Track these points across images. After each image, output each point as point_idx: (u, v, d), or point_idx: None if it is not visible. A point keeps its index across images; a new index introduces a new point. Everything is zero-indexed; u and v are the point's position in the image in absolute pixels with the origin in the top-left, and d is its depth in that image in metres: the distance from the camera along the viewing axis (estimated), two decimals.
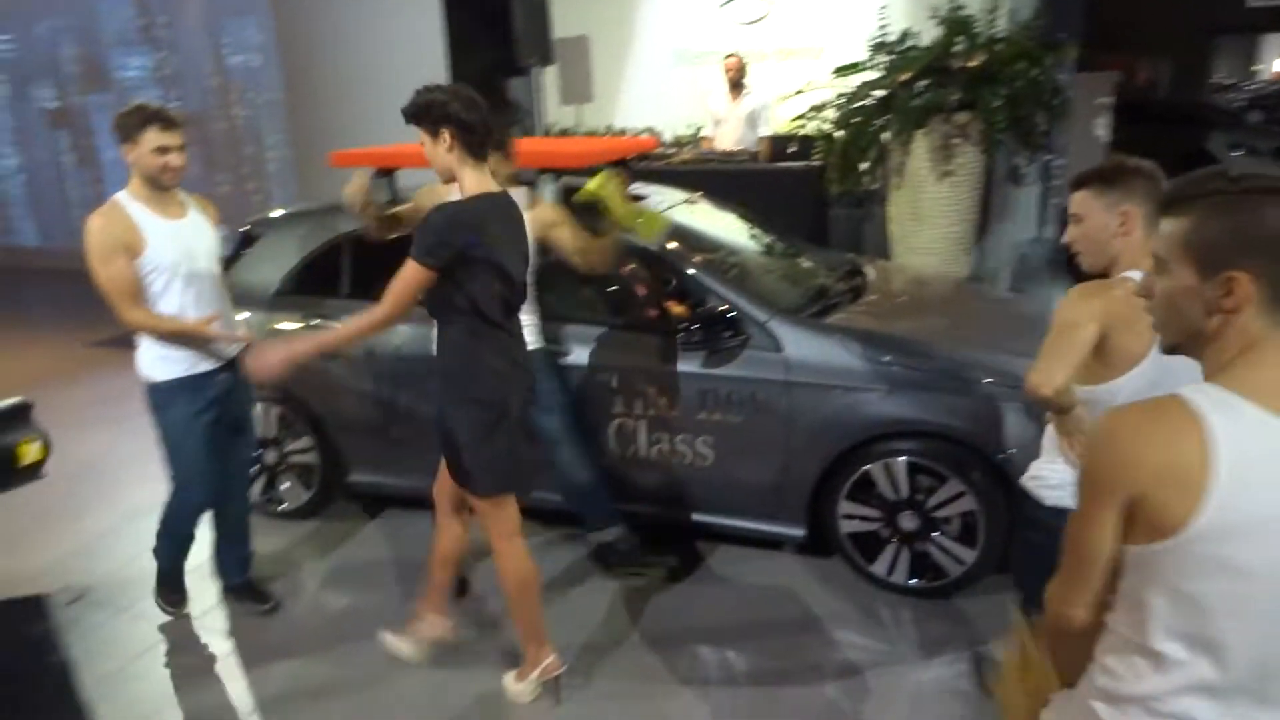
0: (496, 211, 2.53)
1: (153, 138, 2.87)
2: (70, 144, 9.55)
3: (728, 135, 6.88)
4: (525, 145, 3.71)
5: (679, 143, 7.36)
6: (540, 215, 3.19)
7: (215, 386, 3.07)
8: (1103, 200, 2.01)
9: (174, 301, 2.96)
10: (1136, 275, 1.84)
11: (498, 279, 2.51)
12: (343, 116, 7.84)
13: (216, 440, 3.13)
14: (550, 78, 7.70)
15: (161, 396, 3.01)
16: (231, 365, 3.11)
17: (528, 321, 3.04)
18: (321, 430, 3.90)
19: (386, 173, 3.89)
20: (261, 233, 4.08)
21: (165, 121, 2.89)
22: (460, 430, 2.60)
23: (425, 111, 2.48)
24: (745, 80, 6.85)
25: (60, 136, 9.59)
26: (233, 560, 3.45)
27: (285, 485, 4.03)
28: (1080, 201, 2.04)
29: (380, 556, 3.81)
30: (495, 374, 2.59)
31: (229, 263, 4.06)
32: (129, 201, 2.96)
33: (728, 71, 6.80)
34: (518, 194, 3.05)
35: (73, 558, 3.87)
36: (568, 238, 3.18)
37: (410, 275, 2.47)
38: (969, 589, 3.28)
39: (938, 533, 3.26)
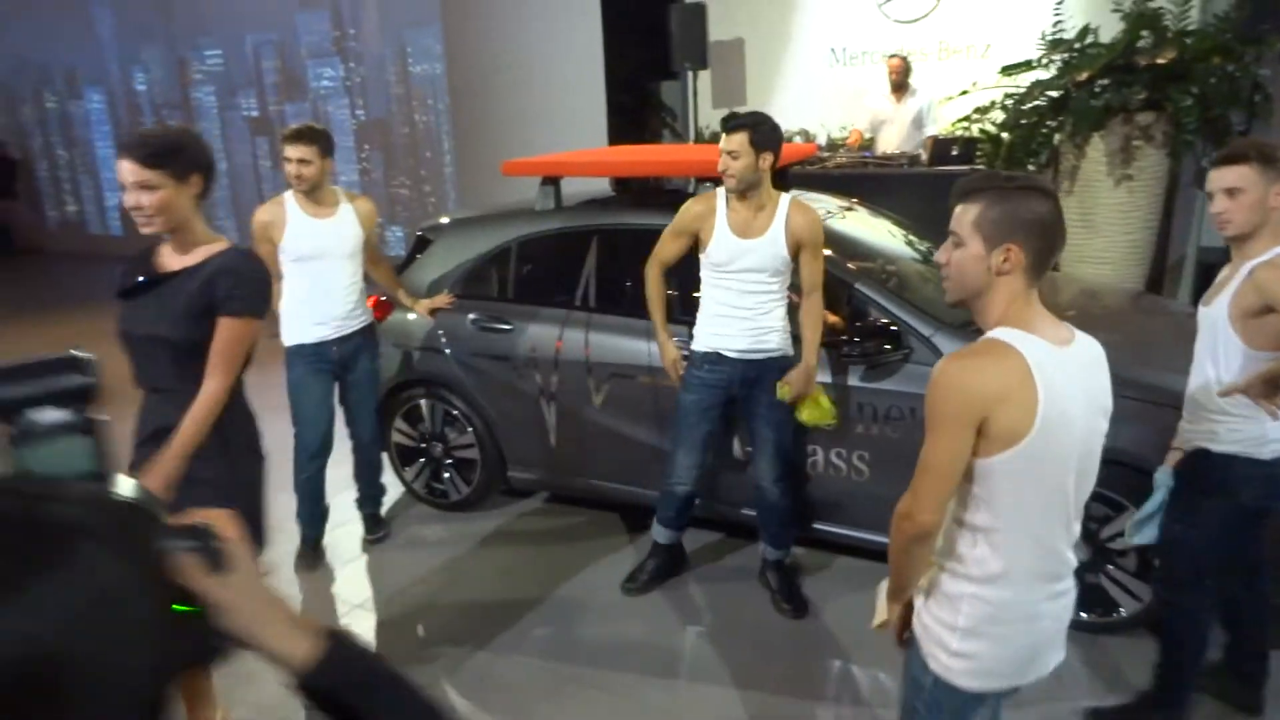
0: None
1: (289, 152, 3.44)
2: (268, 150, 10.27)
3: (892, 137, 6.60)
4: (688, 153, 3.70)
5: (834, 145, 7.16)
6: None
7: (332, 353, 3.59)
8: (1264, 177, 2.22)
9: (300, 283, 3.52)
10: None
11: None
12: (504, 120, 8.09)
13: (332, 397, 3.68)
14: (703, 81, 7.67)
15: (288, 357, 3.62)
16: (351, 338, 3.62)
17: (774, 325, 3.15)
18: (484, 427, 4.03)
19: (553, 181, 3.97)
20: (434, 237, 4.24)
21: (293, 139, 3.44)
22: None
23: None
24: (910, 80, 6.59)
25: (260, 143, 10.33)
26: (365, 494, 4.00)
27: (448, 477, 4.19)
28: (1240, 176, 2.23)
29: (528, 551, 3.89)
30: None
31: (404, 265, 4.28)
32: (289, 199, 3.53)
33: (891, 72, 6.53)
34: (782, 198, 3.11)
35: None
36: (810, 257, 3.13)
37: None
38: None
39: (1111, 565, 3.03)
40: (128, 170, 2.19)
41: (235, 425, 2.35)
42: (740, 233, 3.09)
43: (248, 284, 2.28)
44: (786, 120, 7.75)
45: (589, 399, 3.72)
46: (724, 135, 3.03)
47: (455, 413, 4.06)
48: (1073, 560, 1.70)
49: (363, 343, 3.69)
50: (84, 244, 12.12)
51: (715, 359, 3.18)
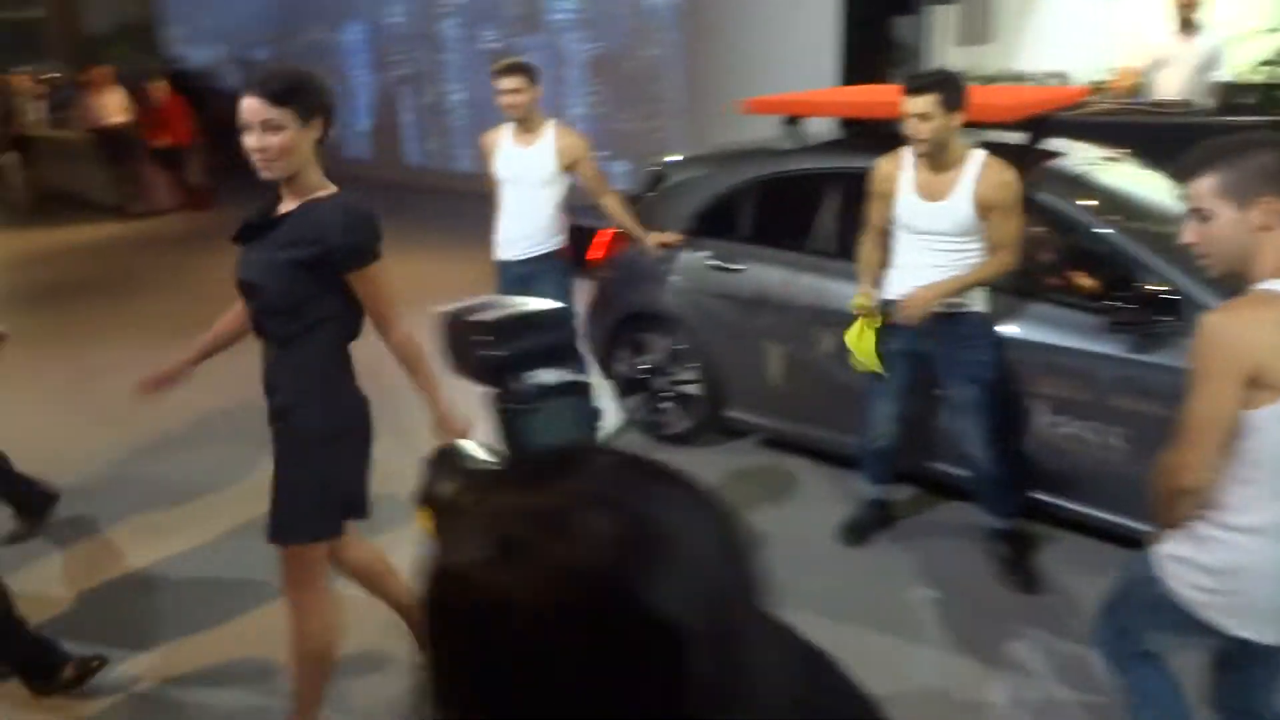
0: None
1: (502, 84, 3.72)
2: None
3: (1172, 80, 5.76)
4: None
5: (1099, 89, 6.48)
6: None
7: (514, 272, 3.91)
8: None
9: (503, 205, 3.91)
10: None
11: None
12: (733, 57, 7.93)
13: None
14: (942, 17, 7.14)
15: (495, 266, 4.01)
16: (534, 261, 3.88)
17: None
18: (707, 364, 4.07)
19: (794, 120, 3.86)
20: (670, 173, 4.27)
21: (505, 71, 3.74)
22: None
23: None
24: (1197, 16, 5.76)
25: None
26: None
27: (668, 411, 4.28)
28: None
29: (742, 491, 3.92)
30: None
31: (638, 200, 4.35)
32: (506, 127, 3.84)
33: (1180, 7, 5.76)
34: (973, 156, 2.93)
35: None
36: (999, 217, 2.93)
37: None
38: None
39: None
40: (254, 108, 2.03)
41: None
42: (927, 195, 2.95)
43: (357, 232, 2.14)
44: (1040, 60, 7.14)
45: (816, 345, 3.65)
46: (908, 97, 2.84)
47: (681, 348, 4.12)
48: None
49: (546, 267, 3.89)
50: (336, 166, 13.19)
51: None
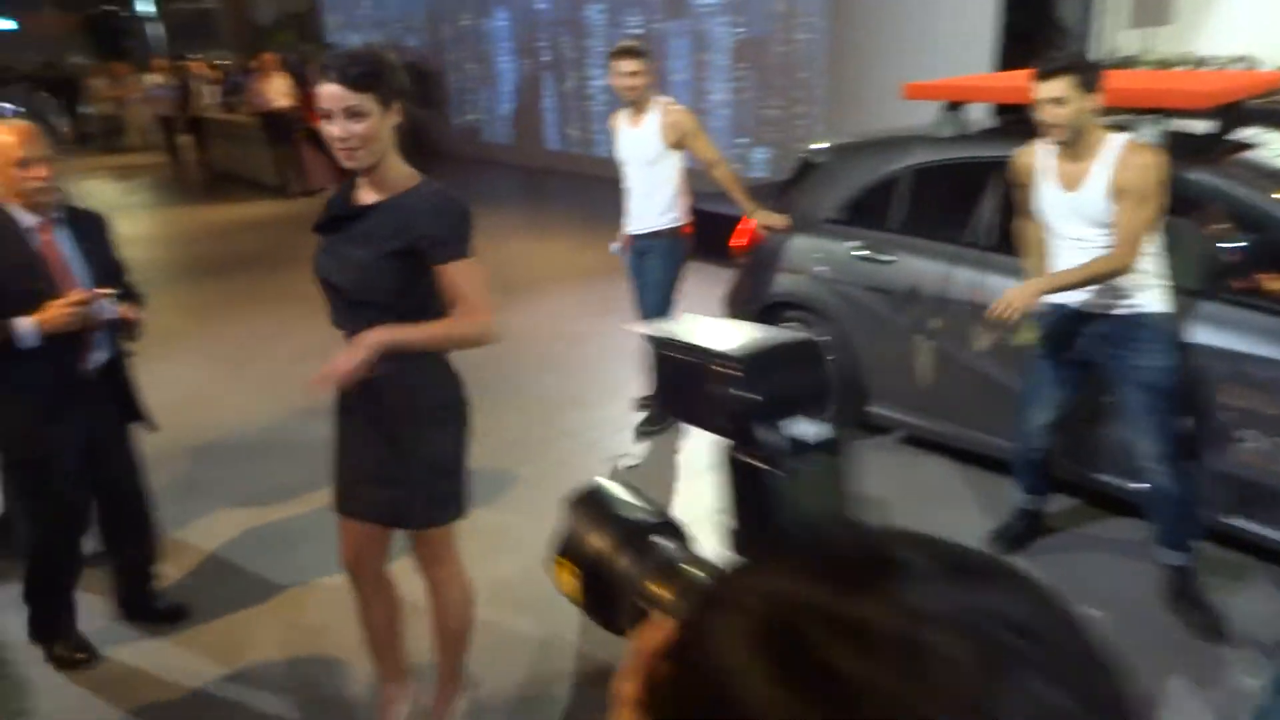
0: None
1: (620, 67, 3.89)
2: (649, 66, 10.50)
3: None
4: (1119, 80, 3.24)
5: None
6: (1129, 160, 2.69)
7: (635, 247, 4.18)
8: None
9: (628, 185, 4.12)
10: None
11: None
12: (886, 41, 7.66)
13: (639, 277, 4.24)
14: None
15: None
16: (646, 237, 4.11)
17: (1156, 283, 2.79)
18: (848, 357, 3.96)
19: (956, 106, 3.69)
20: (821, 160, 4.17)
21: (623, 54, 3.92)
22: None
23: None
24: None
25: None
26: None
27: None
28: None
29: (885, 488, 3.80)
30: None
31: (784, 188, 4.27)
32: (623, 110, 4.10)
33: None
34: (1111, 141, 2.70)
35: None
36: (1127, 206, 2.67)
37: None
38: None
39: None
40: (335, 95, 1.92)
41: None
42: (1065, 184, 2.76)
43: (451, 224, 2.05)
44: (1223, 43, 6.57)
45: (972, 342, 3.50)
46: (1041, 81, 2.64)
47: (825, 339, 4.03)
48: None
49: (658, 244, 4.11)
50: (479, 150, 13.63)
51: (1059, 311, 2.91)
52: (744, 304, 4.32)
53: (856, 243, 3.85)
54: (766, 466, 0.73)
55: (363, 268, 2.03)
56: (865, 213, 3.90)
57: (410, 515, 2.24)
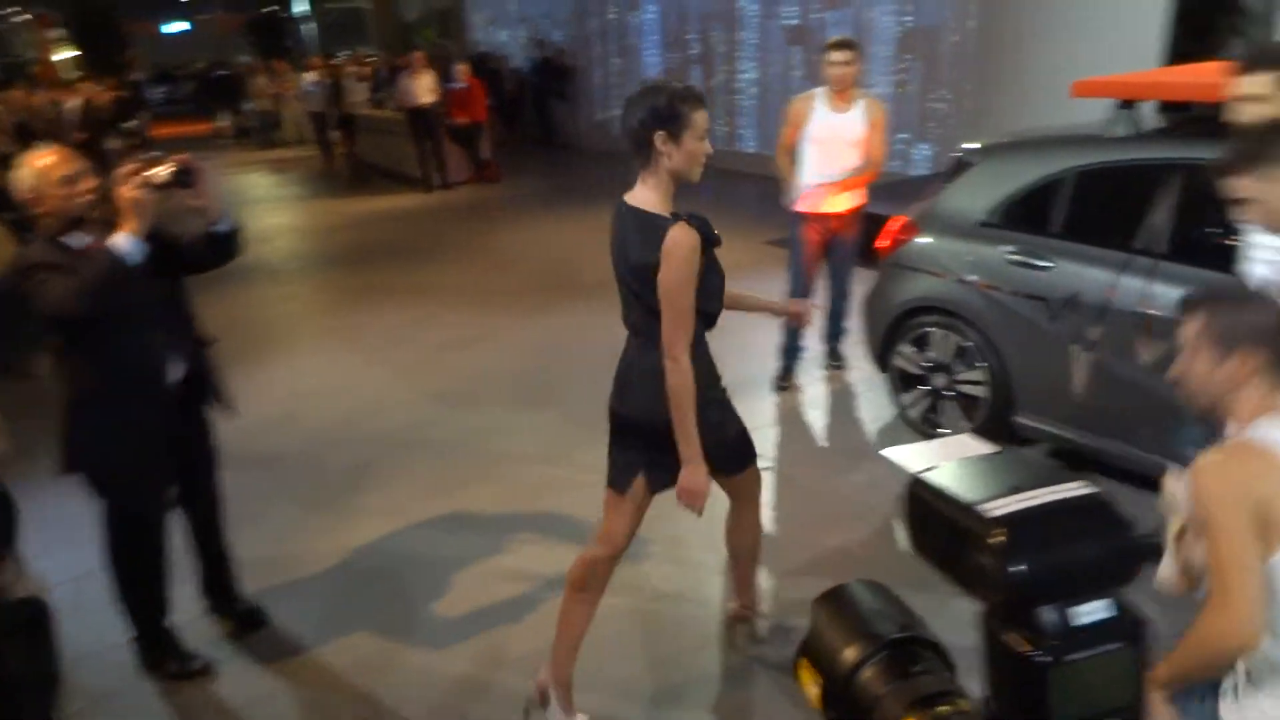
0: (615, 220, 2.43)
1: (831, 56, 4.38)
2: (803, 59, 10.15)
3: None
4: None
5: None
6: None
7: (825, 225, 4.58)
8: None
9: (810, 163, 4.50)
10: None
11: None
12: (1051, 31, 7.27)
13: (816, 264, 4.70)
14: None
15: (792, 217, 4.66)
16: (839, 219, 4.57)
17: None
18: (998, 365, 3.83)
19: (1129, 104, 3.50)
20: (975, 160, 4.03)
21: (837, 47, 4.39)
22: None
23: None
24: None
25: (795, 52, 10.30)
26: (831, 331, 5.04)
27: (946, 409, 4.09)
28: None
29: None
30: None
31: (933, 185, 4.15)
32: (819, 94, 4.52)
33: None
34: None
35: None
36: None
37: None
38: None
39: None
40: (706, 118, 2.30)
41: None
42: None
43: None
44: None
45: (1138, 355, 3.31)
46: (1241, 75, 2.41)
47: (969, 345, 3.91)
48: None
49: (849, 222, 4.62)
50: (616, 145, 13.81)
51: None
52: (885, 305, 4.24)
53: (1011, 247, 3.71)
54: (1038, 655, 0.57)
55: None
56: (1022, 216, 3.75)
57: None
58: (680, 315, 2.29)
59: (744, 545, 2.85)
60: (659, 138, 2.22)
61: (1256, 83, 2.42)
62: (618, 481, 2.55)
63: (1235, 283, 1.79)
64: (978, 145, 4.16)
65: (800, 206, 4.60)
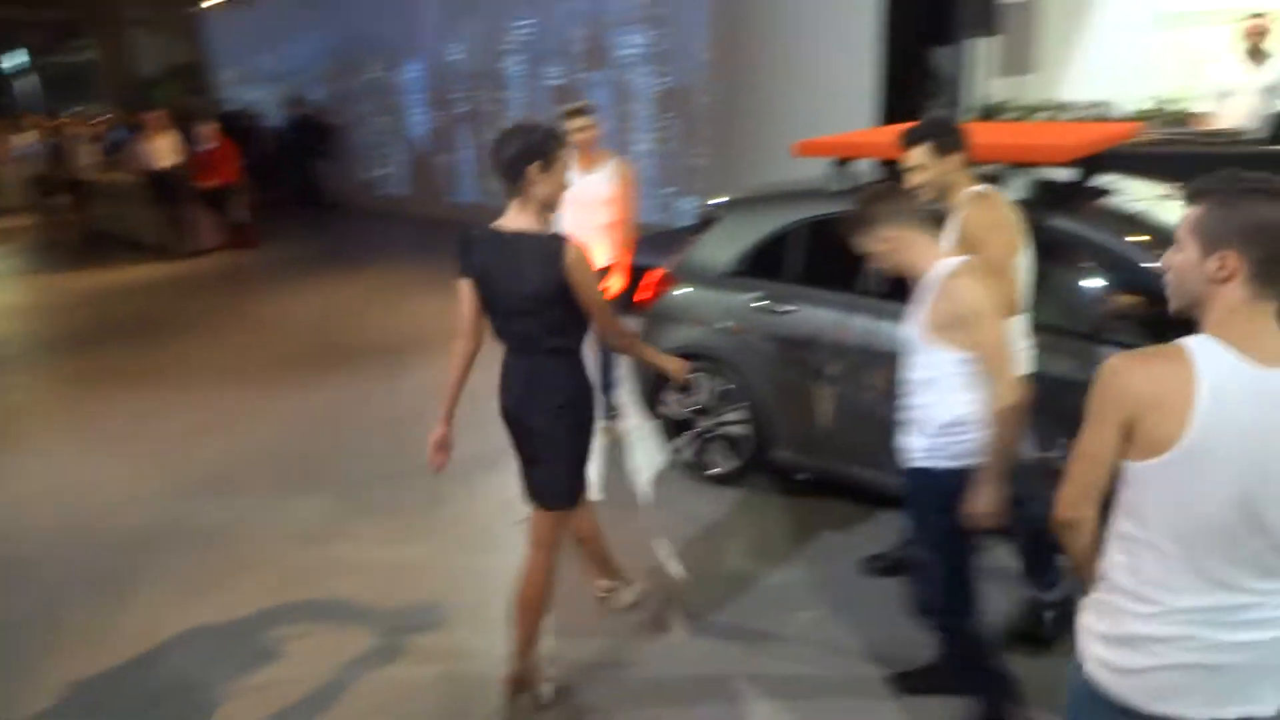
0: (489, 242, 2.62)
1: (572, 124, 4.37)
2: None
3: (1238, 110, 5.75)
4: (987, 135, 3.46)
5: (1142, 118, 6.42)
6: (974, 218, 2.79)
7: None
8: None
9: (564, 222, 4.16)
10: None
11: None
12: (775, 97, 7.95)
13: None
14: (982, 48, 7.13)
15: None
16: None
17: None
18: (756, 405, 4.06)
19: (845, 162, 3.87)
20: (719, 214, 4.29)
21: (575, 114, 4.43)
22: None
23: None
24: (1265, 44, 5.70)
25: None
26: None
27: (714, 450, 4.28)
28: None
29: (785, 532, 3.90)
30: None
31: (679, 238, 4.38)
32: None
33: (1249, 35, 5.68)
34: (970, 192, 2.79)
35: None
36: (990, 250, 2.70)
37: None
38: None
39: None
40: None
41: None
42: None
43: None
44: (1086, 90, 7.09)
45: (870, 386, 3.63)
46: (904, 151, 2.80)
47: (729, 388, 4.12)
48: (1261, 600, 1.51)
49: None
50: (385, 203, 13.45)
51: None
52: None
53: (756, 294, 3.97)
54: None
55: None
56: (763, 265, 4.02)
57: (544, 497, 2.85)
58: (607, 306, 2.67)
59: (589, 535, 3.24)
60: (533, 169, 2.51)
61: (916, 154, 2.79)
62: (553, 500, 2.80)
63: (1263, 175, 1.50)
64: (722, 200, 4.44)
65: None
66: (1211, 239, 1.47)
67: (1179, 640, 1.54)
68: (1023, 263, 2.83)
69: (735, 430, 4.17)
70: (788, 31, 7.84)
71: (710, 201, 4.46)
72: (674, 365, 2.98)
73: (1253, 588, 1.51)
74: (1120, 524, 1.59)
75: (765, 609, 3.40)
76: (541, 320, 2.57)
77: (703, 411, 4.26)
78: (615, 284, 4.56)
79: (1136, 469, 1.52)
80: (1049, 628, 3.08)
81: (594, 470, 3.05)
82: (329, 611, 3.55)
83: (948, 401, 2.41)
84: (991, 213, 2.79)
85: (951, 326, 2.34)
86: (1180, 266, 1.53)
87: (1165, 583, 1.54)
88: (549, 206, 2.59)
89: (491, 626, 3.31)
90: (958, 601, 2.58)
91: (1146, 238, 3.23)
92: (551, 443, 2.70)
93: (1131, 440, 1.51)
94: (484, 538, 4.04)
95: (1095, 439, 1.55)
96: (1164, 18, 6.72)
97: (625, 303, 4.74)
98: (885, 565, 3.55)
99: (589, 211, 4.53)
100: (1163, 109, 6.47)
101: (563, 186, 2.60)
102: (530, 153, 2.50)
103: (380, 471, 4.71)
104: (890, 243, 2.46)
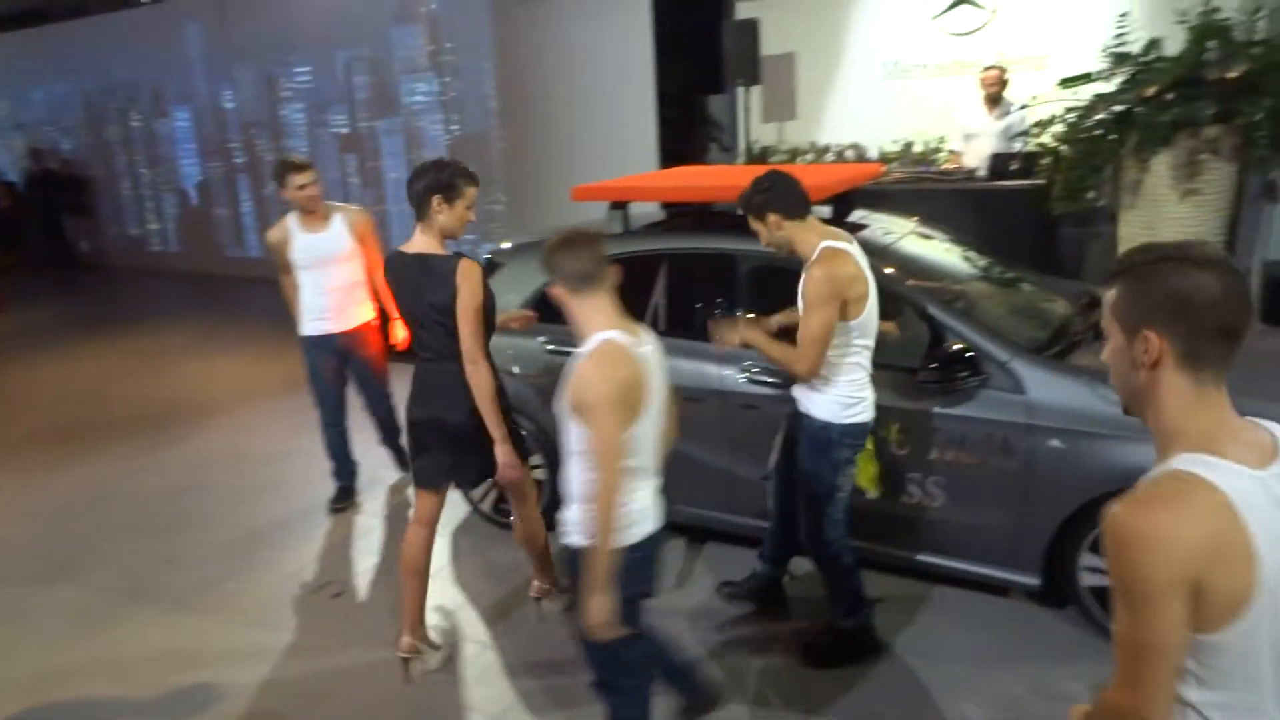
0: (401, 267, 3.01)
1: (294, 180, 4.12)
2: (358, 166, 10.03)
3: (981, 150, 6.38)
4: (737, 178, 3.68)
5: (886, 159, 7.10)
6: None
7: (335, 345, 4.39)
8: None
9: (305, 288, 4.31)
10: None
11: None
12: (550, 137, 8.08)
13: (340, 384, 4.52)
14: (754, 95, 7.64)
15: (303, 343, 4.44)
16: (349, 336, 4.38)
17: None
18: (552, 448, 4.03)
19: (621, 205, 3.97)
20: (504, 260, 4.27)
21: (296, 170, 4.15)
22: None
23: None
24: (1005, 93, 6.40)
25: (349, 160, 10.11)
26: (389, 444, 4.86)
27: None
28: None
29: None
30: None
31: None
32: (291, 218, 4.28)
33: (986, 84, 6.35)
34: (821, 248, 2.82)
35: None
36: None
37: None
38: None
39: None
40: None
41: None
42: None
43: None
44: (839, 134, 7.75)
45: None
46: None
47: (524, 433, 4.07)
48: None
49: (358, 338, 4.46)
50: (151, 260, 12.40)
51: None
52: None
53: (545, 337, 3.96)
54: None
55: None
56: (550, 308, 4.01)
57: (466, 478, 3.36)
58: (479, 327, 2.93)
59: (528, 537, 3.46)
60: (435, 200, 2.90)
61: (753, 223, 2.92)
62: (428, 481, 3.16)
63: (1183, 243, 1.31)
64: (505, 245, 4.42)
65: (306, 331, 4.40)
66: (1131, 321, 1.29)
67: None
68: (867, 317, 2.85)
69: (535, 476, 4.13)
70: (571, 78, 8.02)
71: (496, 247, 4.44)
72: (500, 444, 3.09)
73: None
74: (1190, 694, 1.26)
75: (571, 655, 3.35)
76: (450, 329, 2.91)
77: None
78: (399, 335, 4.37)
79: (1213, 638, 1.20)
80: (835, 652, 3.17)
81: None
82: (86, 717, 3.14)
83: (581, 477, 2.25)
84: (823, 272, 2.74)
85: (576, 409, 2.18)
86: (1111, 358, 1.34)
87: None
88: (449, 234, 2.97)
89: (283, 703, 3.06)
90: (612, 674, 2.42)
91: (892, 269, 3.50)
92: (468, 433, 3.05)
93: (1200, 604, 1.17)
94: (268, 612, 3.75)
95: (1161, 622, 1.17)
96: (895, 69, 7.48)
97: (388, 354, 4.58)
98: (734, 591, 3.55)
99: (327, 270, 4.29)
100: (908, 150, 7.17)
101: (464, 219, 2.98)
102: (435, 187, 2.90)
103: (151, 553, 4.27)
104: (559, 298, 2.32)
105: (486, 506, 4.30)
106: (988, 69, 6.43)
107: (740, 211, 2.94)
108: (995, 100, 6.40)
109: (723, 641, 3.34)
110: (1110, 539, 1.20)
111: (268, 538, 4.36)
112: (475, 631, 3.54)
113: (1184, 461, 1.23)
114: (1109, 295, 1.33)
